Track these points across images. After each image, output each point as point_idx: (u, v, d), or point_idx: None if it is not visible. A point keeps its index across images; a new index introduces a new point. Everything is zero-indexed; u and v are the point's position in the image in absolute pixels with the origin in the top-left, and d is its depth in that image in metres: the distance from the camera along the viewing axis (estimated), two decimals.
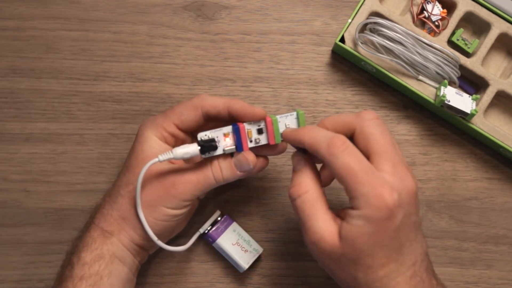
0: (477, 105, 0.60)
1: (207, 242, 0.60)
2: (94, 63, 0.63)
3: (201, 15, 0.64)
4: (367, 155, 0.46)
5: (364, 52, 0.60)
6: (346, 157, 0.45)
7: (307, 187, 0.48)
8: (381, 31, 0.59)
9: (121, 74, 0.63)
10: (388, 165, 0.46)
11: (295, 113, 0.52)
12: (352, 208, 0.45)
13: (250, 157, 0.51)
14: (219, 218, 0.59)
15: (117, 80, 0.63)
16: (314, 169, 0.49)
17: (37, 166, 0.61)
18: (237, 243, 0.58)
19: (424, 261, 0.47)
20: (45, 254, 0.60)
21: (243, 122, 0.51)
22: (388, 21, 0.59)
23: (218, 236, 0.58)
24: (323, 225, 0.46)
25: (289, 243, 0.61)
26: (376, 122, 0.48)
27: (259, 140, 0.52)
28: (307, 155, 0.50)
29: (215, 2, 0.64)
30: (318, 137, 0.47)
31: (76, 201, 0.61)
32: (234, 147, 0.51)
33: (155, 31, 0.63)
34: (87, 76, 0.63)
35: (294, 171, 0.50)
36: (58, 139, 0.62)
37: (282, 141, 0.52)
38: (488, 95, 0.60)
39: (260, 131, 0.51)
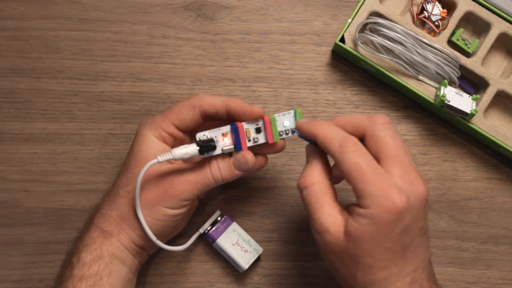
0: (477, 105, 0.60)
1: (207, 242, 0.60)
2: (94, 63, 0.63)
3: (201, 15, 0.64)
4: (377, 159, 0.46)
5: (364, 52, 0.60)
6: (357, 156, 0.45)
7: (314, 179, 0.48)
8: (381, 31, 0.59)
9: (121, 74, 0.63)
10: (397, 168, 0.45)
11: (292, 111, 0.52)
12: (359, 206, 0.44)
13: (249, 156, 0.51)
14: (219, 218, 0.59)
15: (117, 80, 0.63)
16: (324, 162, 0.49)
17: (37, 166, 0.61)
18: (237, 243, 0.58)
19: (426, 268, 0.47)
20: (45, 254, 0.60)
21: (241, 121, 0.51)
22: (388, 21, 0.59)
23: (218, 236, 0.58)
24: (328, 218, 0.46)
25: (289, 243, 0.61)
26: (387, 127, 0.48)
27: (258, 139, 0.52)
28: (319, 148, 0.49)
29: (215, 2, 0.64)
30: (331, 134, 0.47)
31: (76, 201, 0.61)
32: (232, 146, 0.51)
33: (155, 31, 0.63)
34: (87, 76, 0.63)
35: (306, 162, 0.50)
36: (58, 139, 0.62)
37: (280, 139, 0.52)
38: (488, 95, 0.60)
39: (258, 130, 0.51)
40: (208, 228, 0.59)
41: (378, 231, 0.44)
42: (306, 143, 0.51)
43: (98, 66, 0.63)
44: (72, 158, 0.61)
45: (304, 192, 0.48)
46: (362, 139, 0.48)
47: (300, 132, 0.51)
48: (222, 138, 0.51)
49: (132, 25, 0.63)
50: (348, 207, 0.47)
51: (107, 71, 0.63)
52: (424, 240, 0.46)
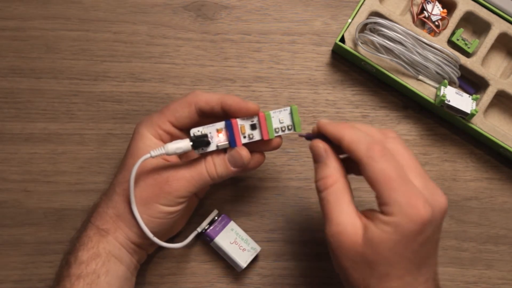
0: (477, 105, 0.60)
1: (205, 242, 0.60)
2: (94, 63, 0.63)
3: (201, 15, 0.64)
4: None
5: (364, 52, 0.60)
6: (385, 162, 0.44)
7: (335, 179, 0.47)
8: (381, 31, 0.59)
9: (121, 74, 0.63)
10: (417, 178, 0.45)
11: (289, 108, 0.52)
12: (383, 213, 0.44)
13: (243, 152, 0.51)
14: (216, 217, 0.59)
15: (117, 80, 0.63)
16: (338, 159, 0.48)
17: (37, 166, 0.61)
18: (235, 242, 0.58)
19: (435, 280, 0.47)
20: (45, 254, 0.60)
21: (236, 117, 0.51)
22: (388, 21, 0.59)
23: (216, 235, 0.58)
24: (347, 218, 0.45)
25: (289, 243, 0.61)
26: (398, 140, 0.47)
27: (253, 136, 0.51)
28: (329, 145, 0.48)
29: (215, 2, 0.64)
30: (359, 137, 0.46)
31: (76, 201, 0.61)
32: (227, 143, 0.51)
33: (155, 31, 0.63)
34: (87, 76, 0.63)
35: (317, 162, 0.48)
36: (58, 139, 0.62)
37: (276, 136, 0.52)
38: (488, 95, 0.60)
39: (253, 127, 0.51)
40: (206, 227, 0.58)
41: (401, 240, 0.43)
42: (309, 143, 0.50)
43: (98, 66, 0.63)
44: (72, 158, 0.61)
45: (324, 193, 0.47)
46: None
47: (323, 133, 0.48)
48: (217, 134, 0.51)
49: (132, 25, 0.63)
50: (365, 212, 0.46)
51: (107, 71, 0.63)
52: (436, 251, 0.46)
